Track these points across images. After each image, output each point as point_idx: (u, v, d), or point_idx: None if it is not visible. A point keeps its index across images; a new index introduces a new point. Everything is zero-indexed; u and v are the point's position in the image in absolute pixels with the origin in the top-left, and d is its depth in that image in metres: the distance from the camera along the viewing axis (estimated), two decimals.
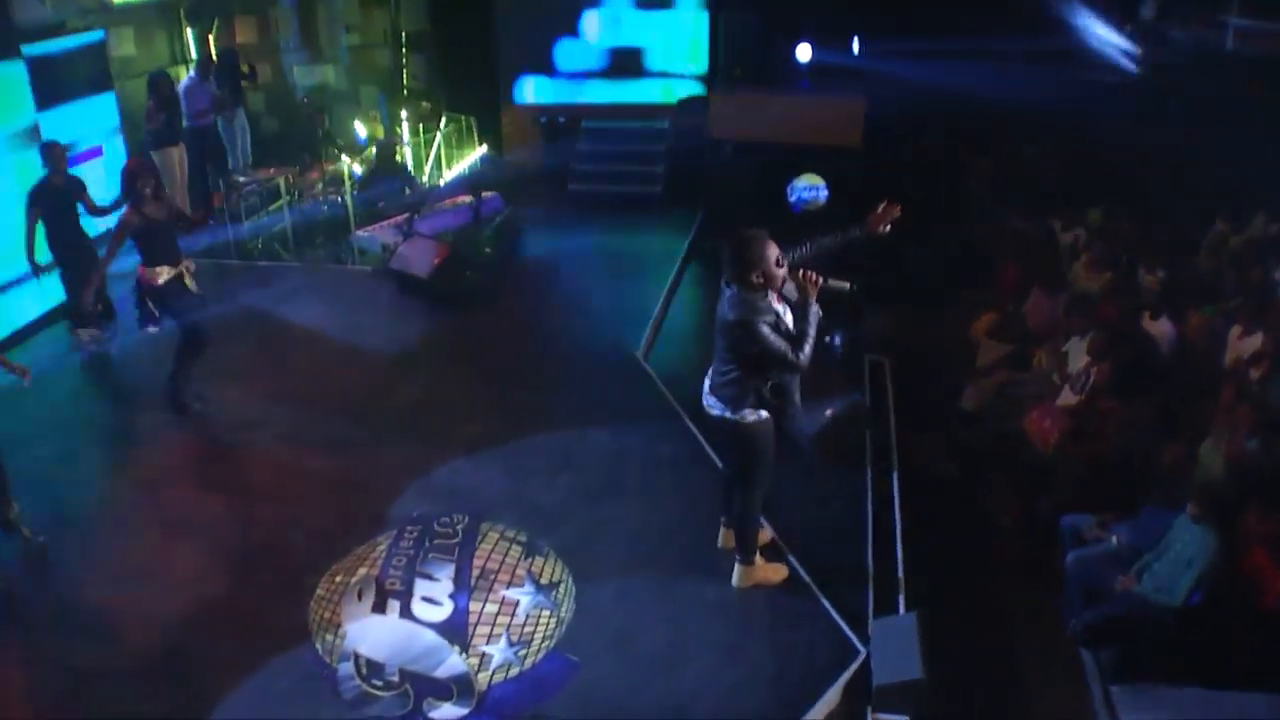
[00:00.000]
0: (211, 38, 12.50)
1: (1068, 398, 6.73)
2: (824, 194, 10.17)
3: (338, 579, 5.35)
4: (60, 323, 8.58)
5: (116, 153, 10.93)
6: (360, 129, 11.31)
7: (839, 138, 9.82)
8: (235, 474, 6.57)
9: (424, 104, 11.77)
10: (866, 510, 5.81)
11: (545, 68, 11.87)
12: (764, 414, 4.79)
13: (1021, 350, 7.46)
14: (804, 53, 10.52)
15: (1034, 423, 6.63)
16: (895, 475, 6.18)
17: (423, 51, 12.07)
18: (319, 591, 5.28)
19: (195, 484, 6.49)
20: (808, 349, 4.59)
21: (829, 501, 5.96)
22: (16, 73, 8.93)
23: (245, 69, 11.21)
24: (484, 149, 11.91)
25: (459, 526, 5.60)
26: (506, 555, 5.42)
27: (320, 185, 10.56)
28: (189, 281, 7.08)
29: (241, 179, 10.63)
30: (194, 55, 12.06)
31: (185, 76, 10.95)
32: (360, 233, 9.87)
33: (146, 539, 5.90)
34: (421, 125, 11.25)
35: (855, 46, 10.30)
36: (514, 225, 10.12)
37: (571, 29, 11.67)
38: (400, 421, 6.98)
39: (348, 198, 10.10)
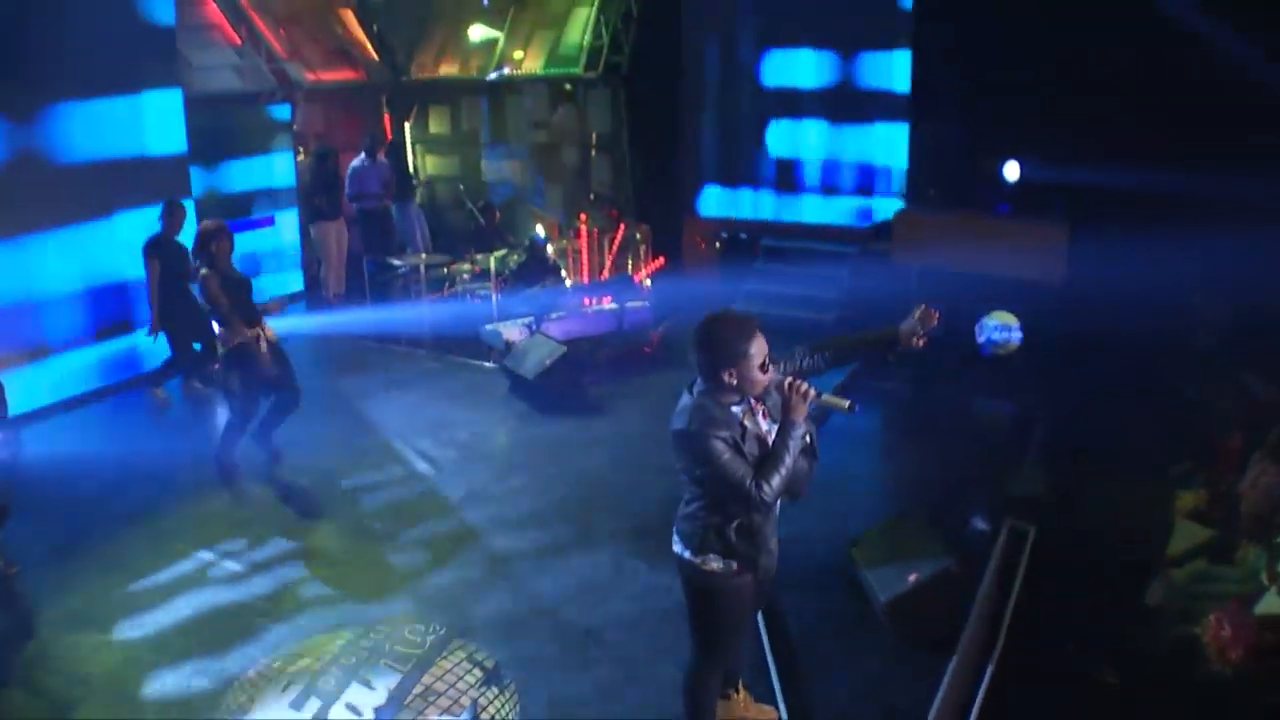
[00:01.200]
0: (408, 125, 13.40)
1: (1272, 604, 5.38)
2: (1017, 336, 9.12)
3: (275, 666, 5.14)
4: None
5: (288, 225, 11.81)
6: (540, 230, 11.52)
7: (1039, 270, 8.87)
8: (246, 533, 6.60)
9: (605, 208, 11.86)
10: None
11: (731, 179, 11.65)
12: (734, 564, 3.92)
13: (1227, 538, 6.15)
14: (1011, 171, 9.72)
15: (1213, 629, 5.30)
16: (990, 669, 5.05)
17: (608, 154, 12.26)
18: (249, 674, 5.09)
19: (201, 539, 6.52)
20: (775, 481, 3.68)
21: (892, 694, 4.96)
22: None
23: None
24: (659, 261, 11.77)
25: (429, 638, 5.31)
26: (460, 680, 5.08)
27: (469, 276, 10.76)
28: (264, 346, 7.25)
29: (396, 262, 11.03)
30: (389, 138, 12.99)
31: (356, 158, 11.66)
32: (490, 327, 9.87)
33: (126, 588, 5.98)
34: (598, 229, 11.29)
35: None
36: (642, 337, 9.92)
37: (760, 141, 11.43)
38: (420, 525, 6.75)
39: (493, 291, 10.29)
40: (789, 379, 3.76)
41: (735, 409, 3.78)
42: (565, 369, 8.73)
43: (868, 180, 11.01)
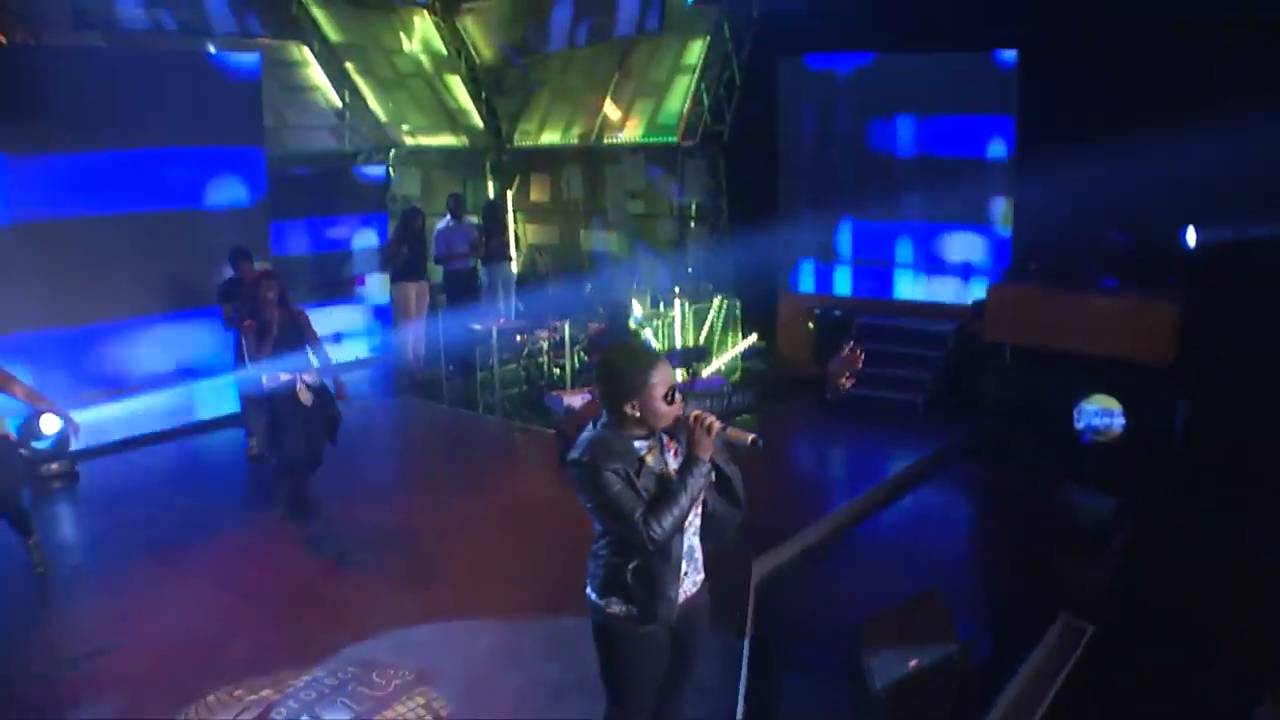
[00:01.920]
0: (510, 193, 13.86)
1: None
2: (1119, 422, 8.82)
3: (236, 693, 5.26)
4: None
5: (378, 286, 12.33)
6: (636, 307, 11.65)
7: (1144, 350, 8.38)
8: (259, 578, 6.81)
9: (699, 282, 11.93)
10: None
11: (826, 254, 11.54)
12: (635, 609, 3.75)
13: None
14: (1119, 240, 9.31)
15: None
16: None
17: (705, 226, 12.35)
18: (209, 698, 5.21)
19: (212, 579, 6.76)
20: (667, 521, 3.52)
21: None
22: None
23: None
24: (752, 337, 11.72)
25: (394, 682, 5.35)
26: None
27: (548, 344, 10.93)
28: (302, 393, 7.55)
29: (475, 326, 11.29)
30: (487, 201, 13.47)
31: (442, 220, 12.09)
32: (554, 394, 9.99)
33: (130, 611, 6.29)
34: (688, 303, 11.34)
35: (1189, 236, 8.89)
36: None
37: (862, 213, 11.35)
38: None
39: (566, 359, 10.48)
40: (696, 413, 3.62)
41: (639, 444, 3.66)
42: None
43: (969, 255, 10.75)
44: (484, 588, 6.53)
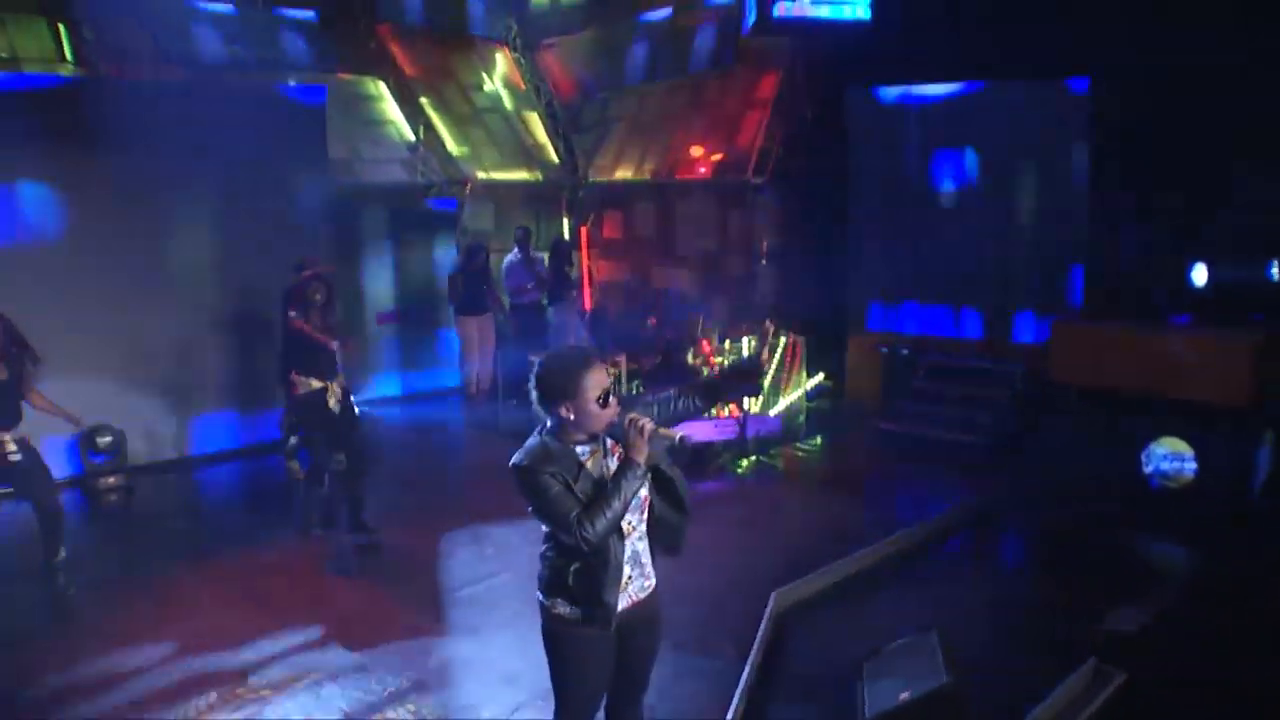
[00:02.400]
0: (585, 229, 14.20)
1: None
2: (1190, 467, 8.63)
3: (238, 691, 5.67)
4: None
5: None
6: (705, 346, 11.79)
7: (1221, 392, 8.19)
8: (280, 588, 7.18)
9: (767, 320, 12.03)
10: None
11: (896, 291, 11.55)
12: (579, 611, 3.90)
13: None
14: (1199, 275, 9.10)
15: None
16: None
17: (776, 263, 12.48)
18: (212, 694, 5.54)
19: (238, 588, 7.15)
20: (600, 523, 3.68)
21: None
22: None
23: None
24: (819, 377, 11.76)
25: (389, 689, 5.74)
26: None
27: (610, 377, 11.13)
28: (332, 401, 7.92)
29: (533, 359, 11.55)
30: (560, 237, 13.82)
31: (509, 254, 12.45)
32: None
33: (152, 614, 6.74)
34: (754, 340, 11.46)
35: (1275, 270, 8.69)
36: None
37: (926, 251, 11.35)
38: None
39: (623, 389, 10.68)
40: (631, 415, 3.77)
41: (581, 449, 3.83)
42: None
43: (1040, 292, 10.67)
44: (493, 604, 6.72)
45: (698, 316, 12.20)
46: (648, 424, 3.75)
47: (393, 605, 6.82)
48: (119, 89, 10.07)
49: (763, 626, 6.41)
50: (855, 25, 11.13)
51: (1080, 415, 9.17)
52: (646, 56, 13.90)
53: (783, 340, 11.48)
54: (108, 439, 9.18)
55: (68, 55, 10.84)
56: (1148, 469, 8.87)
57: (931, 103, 11.15)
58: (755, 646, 6.13)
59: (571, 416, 3.78)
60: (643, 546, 4.01)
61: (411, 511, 8.68)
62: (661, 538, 4.05)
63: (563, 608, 3.91)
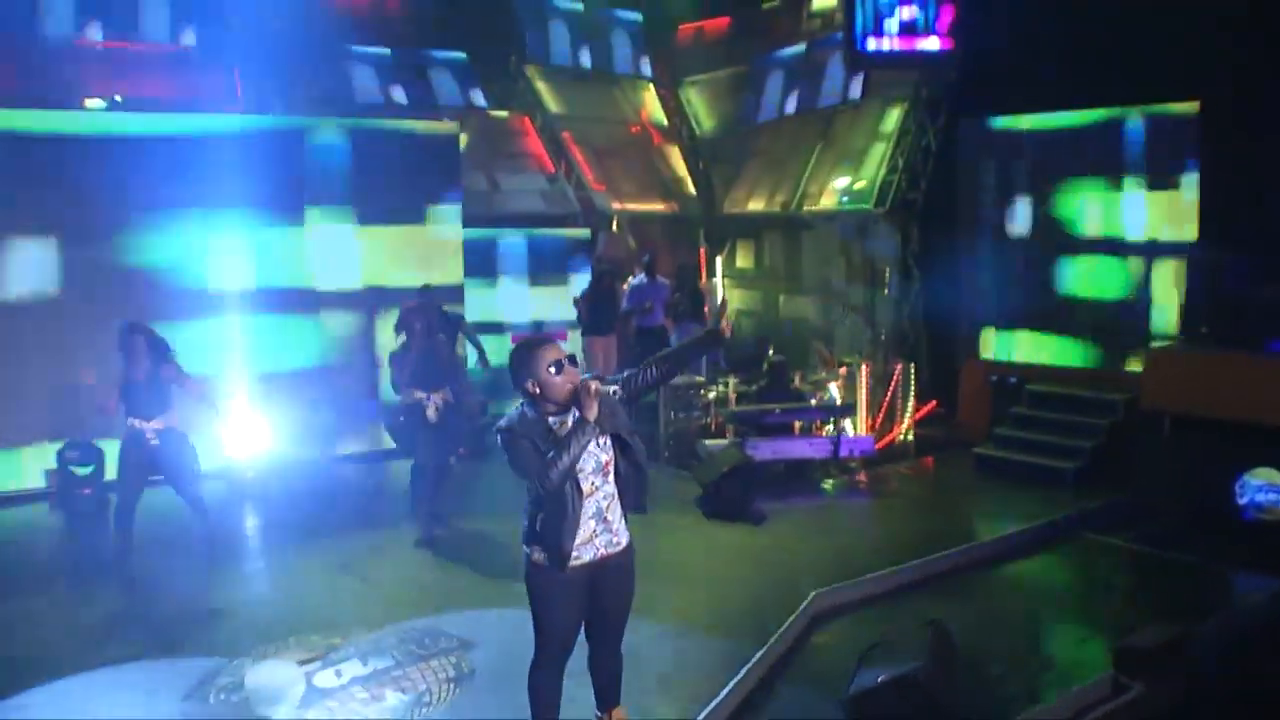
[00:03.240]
0: (720, 259, 14.82)
1: None
2: None
3: (312, 638, 6.44)
4: None
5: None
6: (823, 371, 12.24)
7: None
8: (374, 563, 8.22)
9: (882, 349, 12.37)
10: None
11: (1007, 321, 11.68)
12: (546, 556, 4.59)
13: None
14: None
15: None
16: None
17: (893, 292, 12.78)
18: (290, 639, 6.43)
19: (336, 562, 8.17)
20: (554, 473, 4.34)
21: None
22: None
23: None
24: (932, 404, 11.99)
25: (440, 644, 6.32)
26: (435, 674, 6.09)
27: (713, 397, 11.67)
28: (431, 411, 8.79)
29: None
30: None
31: (635, 277, 13.17)
32: (704, 443, 10.75)
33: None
34: (872, 367, 11.81)
35: None
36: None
37: (1035, 281, 11.48)
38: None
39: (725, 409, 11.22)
40: (583, 380, 4.42)
41: (552, 419, 4.49)
42: (736, 481, 9.38)
43: (1155, 320, 10.67)
44: None
45: (819, 344, 12.65)
46: (594, 384, 4.39)
47: (471, 583, 7.69)
48: (280, 127, 11.33)
49: (791, 619, 6.82)
50: (936, 56, 11.43)
51: (1172, 444, 9.15)
52: (781, 91, 14.42)
53: (899, 367, 11.77)
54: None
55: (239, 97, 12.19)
56: (1241, 500, 8.80)
57: (1042, 133, 11.29)
58: (777, 636, 6.56)
59: (536, 390, 4.47)
60: (608, 505, 4.65)
61: (510, 510, 9.41)
62: (626, 497, 4.70)
63: (537, 554, 4.62)
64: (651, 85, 15.47)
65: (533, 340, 4.63)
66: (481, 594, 7.34)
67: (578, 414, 4.43)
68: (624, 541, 4.72)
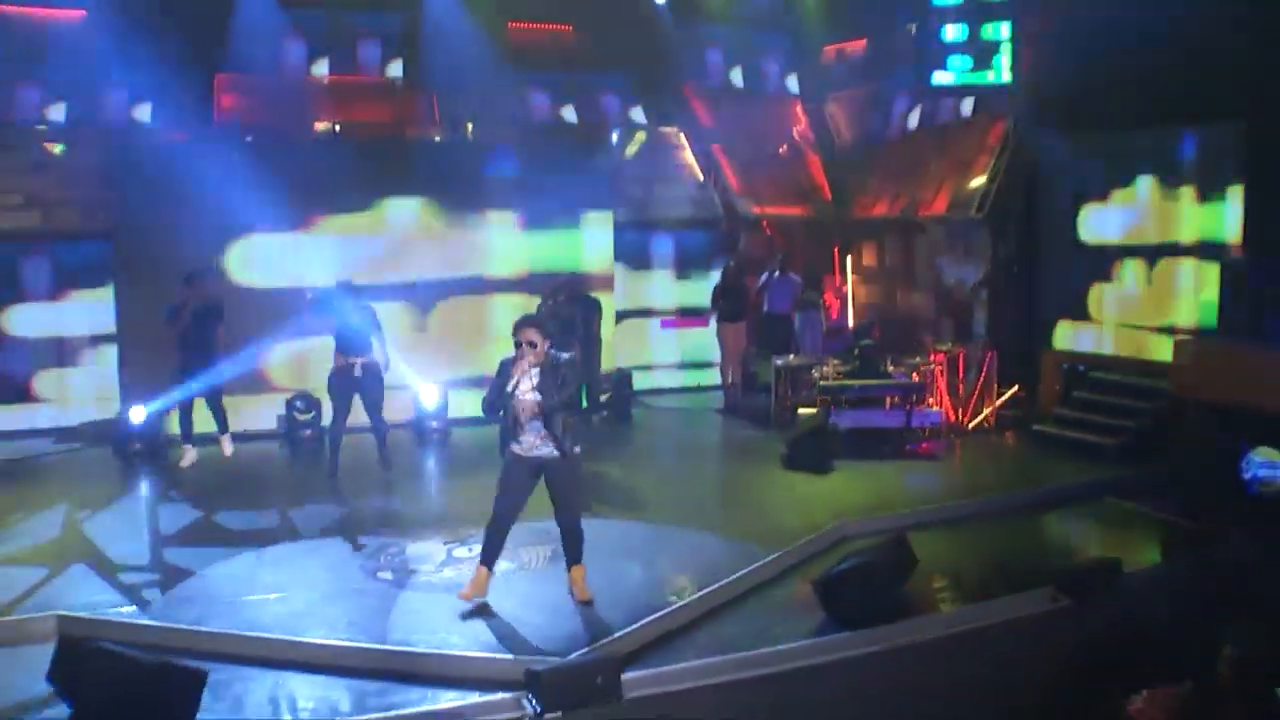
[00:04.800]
0: (850, 258, 16.82)
1: None
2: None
3: (462, 531, 8.87)
4: None
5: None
6: (931, 355, 14.10)
7: None
8: None
9: (974, 340, 14.18)
10: None
11: (1078, 314, 13.32)
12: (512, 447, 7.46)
13: None
14: None
15: None
16: None
17: (987, 288, 14.52)
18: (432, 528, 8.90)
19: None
20: (487, 400, 7.45)
21: None
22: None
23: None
24: (1014, 389, 13.68)
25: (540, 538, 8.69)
26: (536, 555, 8.36)
27: (817, 376, 13.72)
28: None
29: (777, 361, 14.31)
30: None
31: (764, 274, 15.34)
32: (801, 410, 12.90)
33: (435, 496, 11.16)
34: (964, 355, 13.65)
35: None
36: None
37: (1098, 277, 13.08)
38: None
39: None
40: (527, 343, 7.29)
41: (516, 360, 7.29)
42: (813, 440, 11.54)
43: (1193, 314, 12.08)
44: (655, 509, 10.09)
45: (924, 335, 14.55)
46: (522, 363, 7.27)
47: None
48: (463, 146, 14.13)
49: (811, 538, 8.96)
50: (997, 89, 13.14)
51: (1194, 424, 10.65)
52: (906, 108, 16.27)
53: (985, 356, 13.54)
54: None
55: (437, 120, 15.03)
56: (1247, 475, 10.29)
57: (1108, 147, 12.84)
58: (796, 545, 8.70)
59: (521, 351, 7.27)
60: (539, 425, 7.36)
61: (637, 458, 12.10)
62: (552, 433, 7.39)
63: (512, 445, 7.41)
64: (797, 101, 17.56)
65: (525, 319, 7.53)
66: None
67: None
68: (559, 453, 7.40)
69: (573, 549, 7.69)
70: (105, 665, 6.20)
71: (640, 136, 16.60)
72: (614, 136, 16.21)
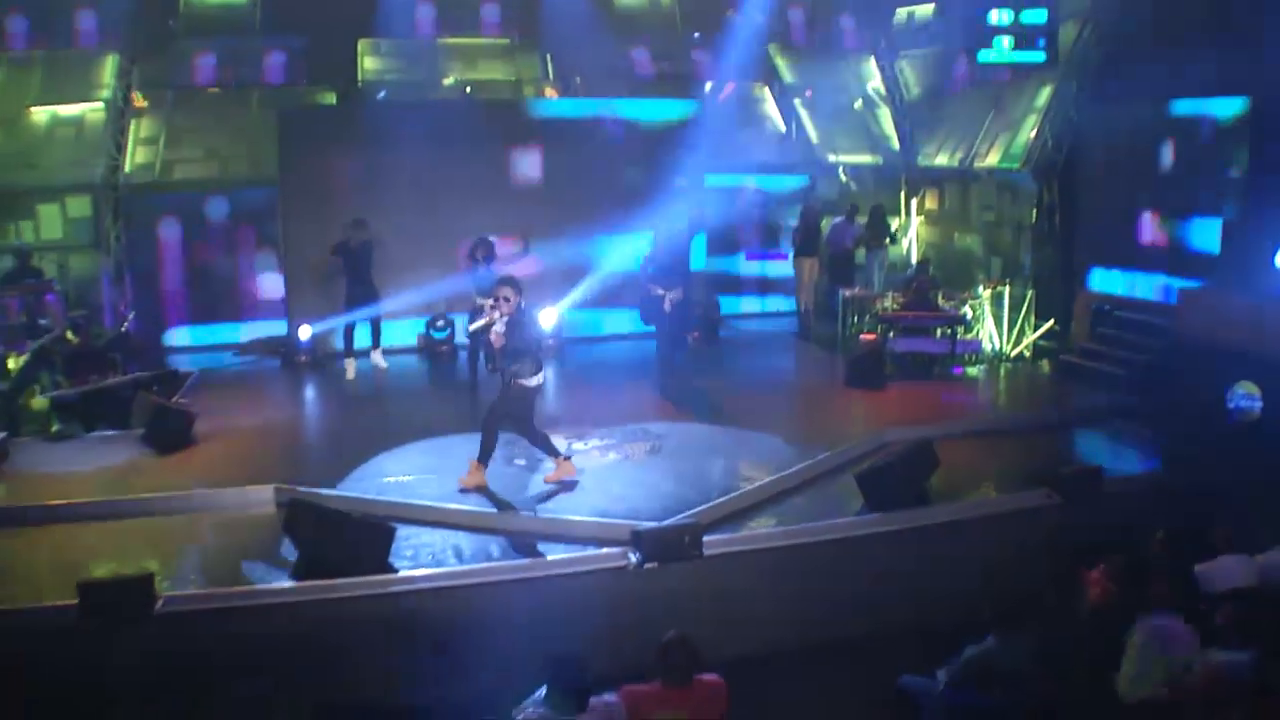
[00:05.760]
0: (915, 202, 18.73)
1: None
2: (1257, 405, 11.79)
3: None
4: None
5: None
6: (981, 288, 16.00)
7: None
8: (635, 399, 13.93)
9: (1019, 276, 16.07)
10: None
11: (1108, 260, 15.09)
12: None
13: None
14: None
15: None
16: None
17: (1032, 233, 16.33)
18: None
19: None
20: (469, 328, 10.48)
21: None
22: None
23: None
24: (1050, 323, 15.58)
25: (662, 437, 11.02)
26: (639, 448, 10.70)
27: (877, 307, 15.73)
28: (666, 304, 13.44)
29: (845, 293, 16.29)
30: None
31: (835, 218, 17.35)
32: (862, 336, 15.01)
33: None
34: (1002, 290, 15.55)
35: None
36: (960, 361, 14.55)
37: (1124, 228, 14.80)
38: None
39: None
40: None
41: (494, 312, 9.59)
42: (868, 361, 13.66)
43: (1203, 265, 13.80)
44: (734, 416, 12.27)
45: (976, 272, 16.48)
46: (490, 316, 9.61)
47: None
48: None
49: (857, 442, 11.12)
50: (1035, 67, 14.85)
51: (1193, 362, 12.47)
52: (967, 67, 17.98)
53: (1028, 294, 15.43)
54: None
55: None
56: (1230, 405, 12.13)
57: (1141, 113, 14.52)
58: (841, 450, 10.85)
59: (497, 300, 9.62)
60: (497, 355, 9.80)
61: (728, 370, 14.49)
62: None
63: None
64: (872, 57, 19.37)
65: (504, 280, 9.93)
66: (673, 414, 12.26)
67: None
68: (515, 380, 9.74)
69: (540, 448, 10.21)
70: (323, 521, 8.68)
71: (730, 89, 18.56)
72: (706, 90, 18.24)
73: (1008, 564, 8.68)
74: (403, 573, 8.39)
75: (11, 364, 12.89)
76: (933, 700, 6.88)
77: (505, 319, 9.56)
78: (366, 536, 8.58)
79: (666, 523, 8.88)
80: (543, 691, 5.87)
